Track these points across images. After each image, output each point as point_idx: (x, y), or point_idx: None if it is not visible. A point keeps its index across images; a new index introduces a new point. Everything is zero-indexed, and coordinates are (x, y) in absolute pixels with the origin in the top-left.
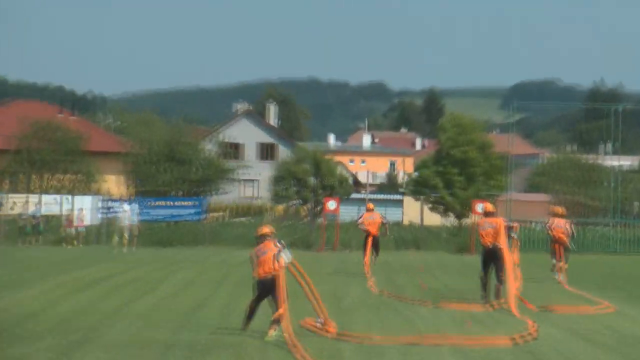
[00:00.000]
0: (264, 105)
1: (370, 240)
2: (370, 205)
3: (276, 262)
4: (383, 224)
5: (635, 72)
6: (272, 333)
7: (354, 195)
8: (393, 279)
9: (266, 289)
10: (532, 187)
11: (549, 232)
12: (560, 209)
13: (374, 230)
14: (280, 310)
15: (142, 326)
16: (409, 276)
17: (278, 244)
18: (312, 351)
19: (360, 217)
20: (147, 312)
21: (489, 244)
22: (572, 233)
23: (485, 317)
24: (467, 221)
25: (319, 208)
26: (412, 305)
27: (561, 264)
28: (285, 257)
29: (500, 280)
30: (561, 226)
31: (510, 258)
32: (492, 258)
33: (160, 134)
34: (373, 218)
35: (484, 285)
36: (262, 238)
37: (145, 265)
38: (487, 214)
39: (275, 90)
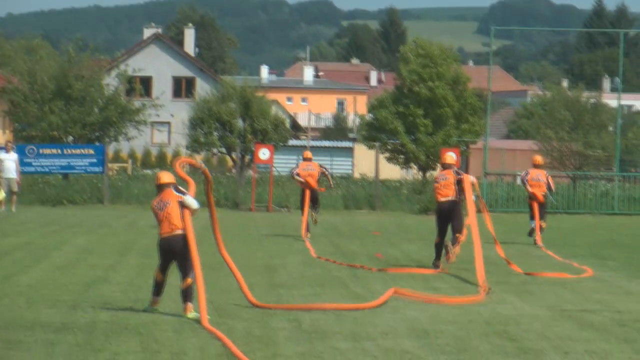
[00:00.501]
0: (180, 30)
1: (307, 194)
2: (308, 154)
3: (183, 216)
4: (324, 174)
5: None
6: (191, 311)
7: (293, 142)
8: (340, 247)
9: (171, 251)
10: (516, 133)
11: (524, 186)
12: (539, 158)
13: (311, 182)
14: (189, 280)
15: (27, 305)
16: (361, 243)
17: (179, 191)
18: (239, 335)
19: (296, 167)
20: (34, 288)
21: (443, 199)
22: (550, 187)
23: (447, 286)
24: (433, 174)
25: (248, 158)
26: (364, 275)
27: (539, 223)
28: (192, 202)
29: (455, 239)
30: (537, 179)
31: (475, 217)
32: (447, 217)
33: (48, 64)
34: (310, 168)
35: (439, 251)
36: (161, 187)
37: (30, 230)
38: (444, 165)
39: (194, 10)
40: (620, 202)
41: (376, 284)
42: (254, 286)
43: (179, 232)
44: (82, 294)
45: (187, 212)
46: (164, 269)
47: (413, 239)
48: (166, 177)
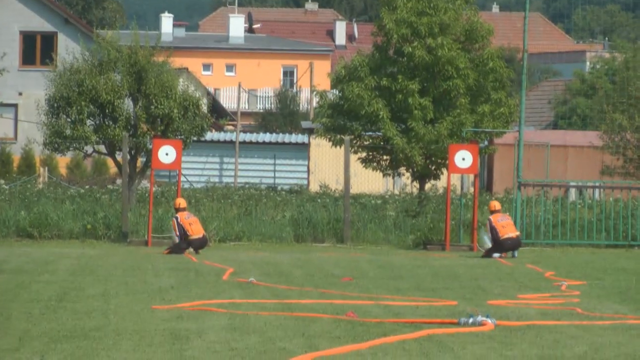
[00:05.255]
0: None
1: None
2: (182, 202)
3: None
4: None
5: None
6: None
7: (214, 136)
8: (287, 300)
9: None
10: (568, 119)
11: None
12: (495, 203)
13: (199, 229)
14: None
15: None
16: (322, 295)
17: None
18: None
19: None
20: None
21: None
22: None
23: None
24: (437, 186)
25: (142, 161)
26: (325, 344)
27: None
28: None
29: None
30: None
31: None
32: None
33: None
34: (191, 216)
35: None
36: None
37: None
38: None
39: None
40: None
41: None
42: None
43: None
44: None
45: None
46: None
47: (405, 289)
48: None
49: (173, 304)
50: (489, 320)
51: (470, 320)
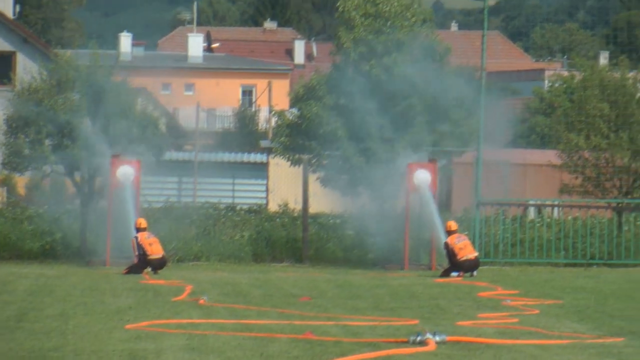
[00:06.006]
0: None
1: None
2: (142, 222)
3: None
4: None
5: None
6: None
7: (172, 155)
8: (245, 320)
9: None
10: (527, 138)
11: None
12: (452, 223)
13: (159, 249)
14: None
15: None
16: (280, 315)
17: None
18: None
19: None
20: None
21: None
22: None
23: None
24: (396, 204)
25: (101, 180)
26: None
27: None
28: None
29: None
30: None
31: None
32: None
33: None
34: (152, 235)
35: None
36: None
37: None
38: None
39: None
40: None
41: None
42: None
43: None
44: None
45: None
46: None
47: (364, 308)
48: None
49: (131, 324)
50: (432, 339)
51: (418, 338)
